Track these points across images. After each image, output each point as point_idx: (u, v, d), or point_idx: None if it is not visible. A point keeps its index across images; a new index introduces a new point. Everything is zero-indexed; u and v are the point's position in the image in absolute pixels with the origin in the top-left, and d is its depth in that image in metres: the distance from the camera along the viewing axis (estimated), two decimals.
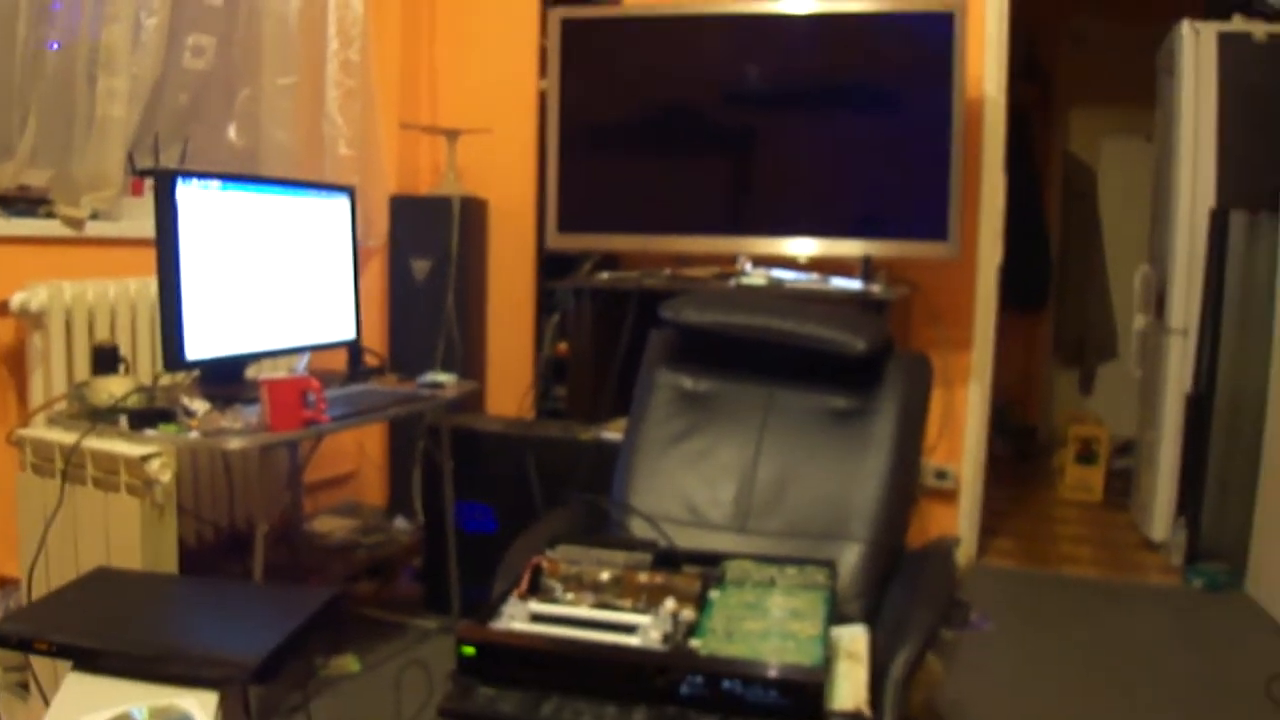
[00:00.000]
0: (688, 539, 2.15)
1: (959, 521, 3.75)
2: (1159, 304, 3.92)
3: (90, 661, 1.49)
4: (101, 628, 1.56)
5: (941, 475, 3.68)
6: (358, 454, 4.08)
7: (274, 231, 2.65)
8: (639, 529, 2.21)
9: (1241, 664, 2.89)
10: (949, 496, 3.73)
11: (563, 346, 3.68)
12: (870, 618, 1.98)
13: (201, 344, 2.41)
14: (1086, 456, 4.79)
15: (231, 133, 3.46)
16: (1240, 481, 3.52)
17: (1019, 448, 5.61)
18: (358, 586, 3.29)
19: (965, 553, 3.73)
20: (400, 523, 3.83)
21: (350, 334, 2.96)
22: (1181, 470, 3.78)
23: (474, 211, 3.90)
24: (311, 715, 2.44)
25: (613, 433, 2.88)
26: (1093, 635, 3.12)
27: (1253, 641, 3.06)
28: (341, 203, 2.93)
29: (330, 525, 3.76)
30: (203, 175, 2.42)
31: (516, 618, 1.62)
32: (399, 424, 3.81)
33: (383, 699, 2.57)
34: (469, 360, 3.85)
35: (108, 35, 2.73)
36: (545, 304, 3.92)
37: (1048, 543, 4.10)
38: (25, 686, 2.27)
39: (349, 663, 2.75)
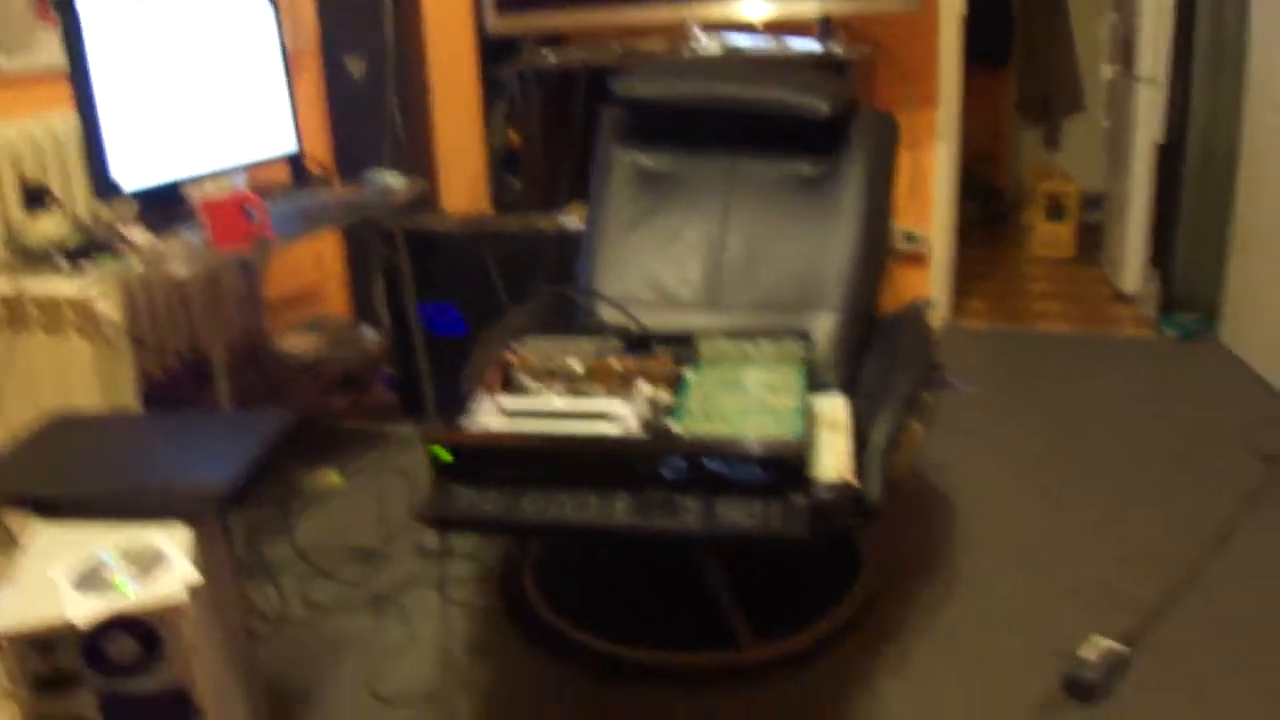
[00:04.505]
0: (659, 320, 2.10)
1: (930, 284, 3.72)
2: (1127, 53, 3.78)
3: (52, 510, 1.44)
4: (60, 474, 1.51)
5: (911, 238, 3.62)
6: (316, 268, 3.98)
7: (194, 41, 2.46)
8: (609, 316, 2.16)
9: (1219, 411, 2.92)
10: (919, 259, 3.69)
11: (513, 135, 3.53)
12: (848, 385, 1.96)
13: (134, 172, 2.27)
14: (1055, 212, 4.74)
15: None
16: (1213, 230, 3.47)
17: (988, 209, 5.54)
18: (332, 400, 3.25)
19: (939, 315, 3.72)
20: (368, 332, 3.77)
21: (291, 146, 2.81)
22: (1153, 221, 3.73)
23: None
24: (299, 532, 2.44)
25: (574, 219, 2.79)
26: (1070, 390, 3.14)
27: (1229, 389, 3.09)
28: (261, 3, 2.72)
29: (298, 342, 3.69)
30: None
31: (488, 416, 1.57)
32: (354, 232, 3.69)
33: (368, 509, 2.57)
34: (417, 158, 3.69)
35: None
36: (491, 93, 3.72)
37: (1020, 300, 4.10)
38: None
39: (332, 477, 2.74)
